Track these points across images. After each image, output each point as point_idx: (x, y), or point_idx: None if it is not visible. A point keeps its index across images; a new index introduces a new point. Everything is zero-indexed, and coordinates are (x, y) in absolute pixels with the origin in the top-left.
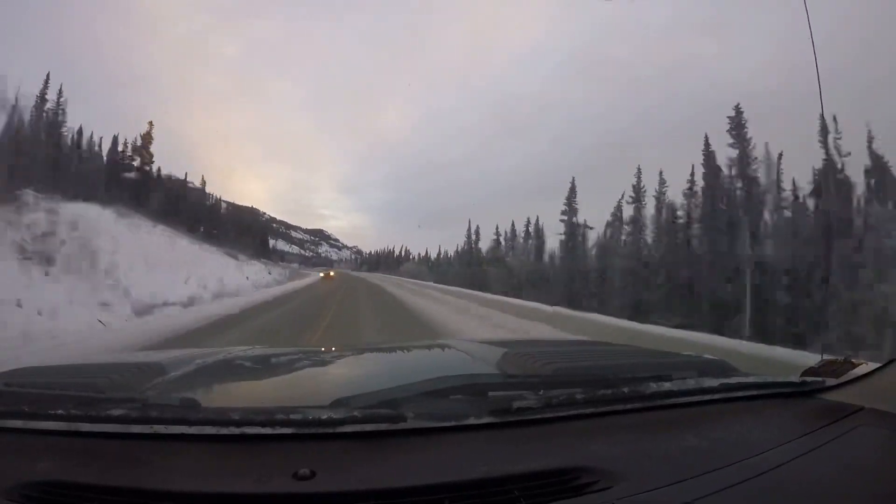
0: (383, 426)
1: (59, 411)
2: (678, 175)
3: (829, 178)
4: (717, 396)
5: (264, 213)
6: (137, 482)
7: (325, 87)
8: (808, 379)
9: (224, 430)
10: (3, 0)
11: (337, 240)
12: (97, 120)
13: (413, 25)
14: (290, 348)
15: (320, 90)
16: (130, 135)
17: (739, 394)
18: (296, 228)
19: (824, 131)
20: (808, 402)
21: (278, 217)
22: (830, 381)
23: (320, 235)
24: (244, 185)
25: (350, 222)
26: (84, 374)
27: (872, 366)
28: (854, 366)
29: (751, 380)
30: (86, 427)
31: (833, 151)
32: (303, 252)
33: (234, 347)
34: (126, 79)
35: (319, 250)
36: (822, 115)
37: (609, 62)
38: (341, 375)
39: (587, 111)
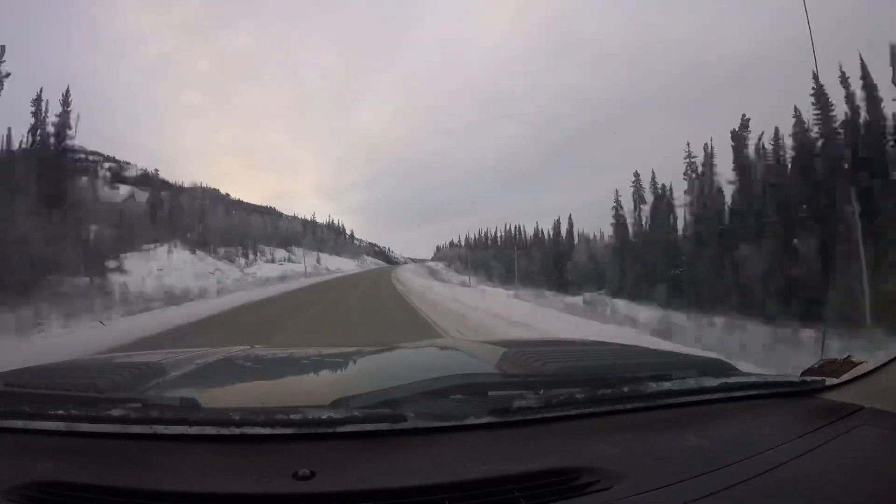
0: (383, 426)
1: (59, 411)
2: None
3: None
4: (716, 396)
5: (226, 195)
6: (137, 482)
7: (301, 93)
8: (808, 378)
9: (224, 430)
10: None
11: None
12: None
13: (386, 23)
14: (290, 348)
15: (297, 97)
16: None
17: (739, 393)
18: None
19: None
20: (807, 401)
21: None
22: (830, 381)
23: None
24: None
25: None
26: (84, 375)
27: (872, 365)
28: (854, 365)
29: (751, 379)
30: (86, 427)
31: None
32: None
33: (233, 347)
34: (99, 102)
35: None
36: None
37: (583, 39)
38: (341, 375)
39: (566, 92)
